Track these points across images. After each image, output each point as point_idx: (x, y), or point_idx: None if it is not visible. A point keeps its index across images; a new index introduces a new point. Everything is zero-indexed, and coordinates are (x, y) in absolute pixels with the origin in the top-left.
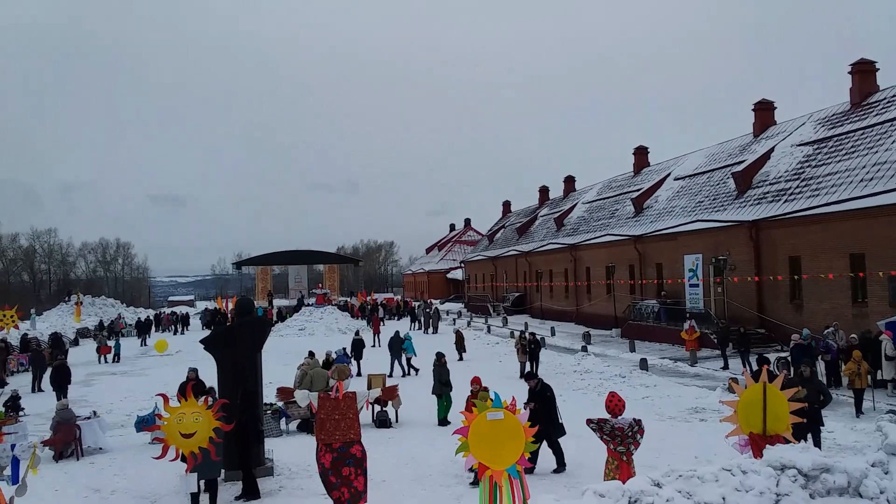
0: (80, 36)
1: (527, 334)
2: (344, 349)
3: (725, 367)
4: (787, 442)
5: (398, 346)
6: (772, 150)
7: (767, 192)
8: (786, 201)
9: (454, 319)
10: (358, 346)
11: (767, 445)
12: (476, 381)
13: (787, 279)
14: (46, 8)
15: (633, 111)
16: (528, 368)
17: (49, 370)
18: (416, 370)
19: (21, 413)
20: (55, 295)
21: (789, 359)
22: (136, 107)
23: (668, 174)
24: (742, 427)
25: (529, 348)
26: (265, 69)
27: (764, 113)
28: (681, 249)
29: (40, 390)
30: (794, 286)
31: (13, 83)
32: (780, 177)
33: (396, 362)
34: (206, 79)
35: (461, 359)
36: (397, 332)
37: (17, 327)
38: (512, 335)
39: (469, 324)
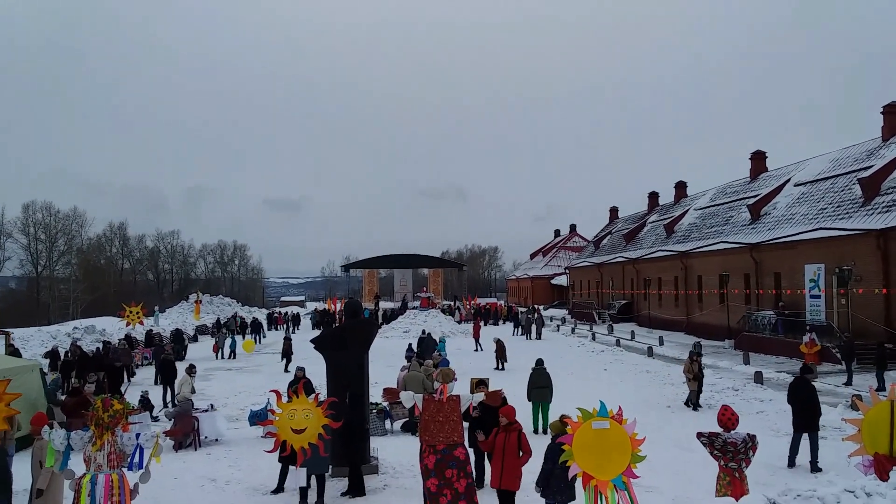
0: (202, 49)
1: (696, 356)
2: (410, 346)
3: (849, 383)
4: None
5: (431, 347)
6: None
7: None
8: None
9: (558, 326)
10: (422, 344)
11: (894, 467)
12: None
13: None
14: (173, 24)
15: (747, 115)
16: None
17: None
18: None
19: (151, 414)
20: (177, 293)
21: None
22: (254, 115)
23: (788, 180)
24: (867, 447)
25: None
26: (376, 79)
27: (894, 116)
28: (801, 259)
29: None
30: None
31: (149, 97)
32: None
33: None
34: (321, 88)
35: (502, 368)
36: (428, 333)
37: (142, 323)
38: (647, 352)
39: (573, 330)
